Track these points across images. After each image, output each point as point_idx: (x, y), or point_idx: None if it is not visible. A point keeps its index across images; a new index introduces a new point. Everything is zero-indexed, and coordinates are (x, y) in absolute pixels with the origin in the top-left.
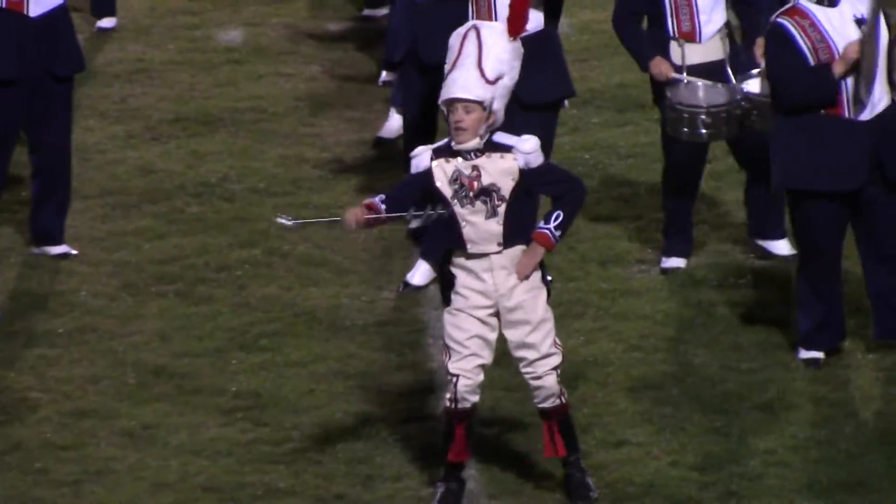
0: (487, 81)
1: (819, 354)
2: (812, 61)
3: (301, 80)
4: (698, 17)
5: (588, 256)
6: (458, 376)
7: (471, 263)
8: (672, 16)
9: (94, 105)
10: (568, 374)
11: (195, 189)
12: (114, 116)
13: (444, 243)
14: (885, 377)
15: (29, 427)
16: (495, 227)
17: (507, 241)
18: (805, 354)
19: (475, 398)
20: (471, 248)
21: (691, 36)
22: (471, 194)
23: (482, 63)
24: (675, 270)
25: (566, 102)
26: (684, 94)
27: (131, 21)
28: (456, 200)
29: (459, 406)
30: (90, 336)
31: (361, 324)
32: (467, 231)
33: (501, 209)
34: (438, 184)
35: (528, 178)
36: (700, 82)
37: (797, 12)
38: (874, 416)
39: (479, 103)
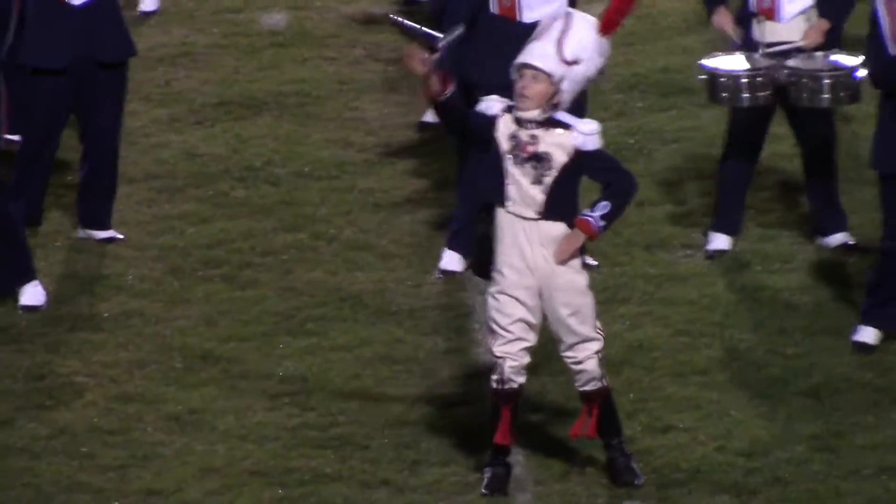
0: (563, 59)
1: (872, 337)
2: (892, 50)
3: (345, 63)
4: None
5: (633, 241)
6: (504, 358)
7: (509, 224)
8: None
9: (138, 89)
10: (613, 359)
11: (240, 173)
12: (158, 100)
13: (486, 193)
14: None
15: (75, 411)
16: (539, 194)
17: (546, 212)
18: (860, 335)
19: (521, 379)
20: (509, 207)
21: (770, 13)
22: (523, 155)
23: (563, 41)
24: (721, 253)
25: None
26: (737, 65)
27: (174, 4)
28: (510, 156)
29: (506, 387)
30: (136, 320)
31: (407, 308)
32: (511, 189)
33: (548, 179)
34: (498, 134)
35: (581, 159)
36: (758, 55)
37: None
38: None
39: (549, 75)
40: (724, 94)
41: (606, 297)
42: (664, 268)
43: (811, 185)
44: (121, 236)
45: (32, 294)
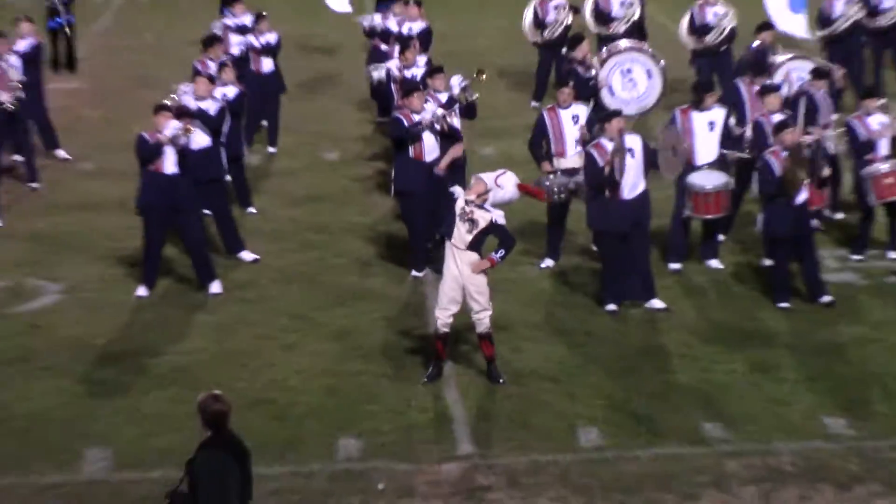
0: (487, 183)
1: (614, 307)
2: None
3: (365, 177)
4: (565, 144)
5: (510, 261)
6: (438, 318)
7: (450, 251)
8: (553, 142)
9: (266, 189)
10: (494, 318)
11: (315, 229)
12: (276, 194)
13: (444, 232)
14: None
15: (236, 343)
16: (468, 236)
17: (469, 246)
18: (608, 307)
19: (447, 329)
20: (453, 241)
21: (562, 154)
22: (465, 217)
23: (499, 178)
24: (548, 268)
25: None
26: (548, 181)
27: (285, 149)
28: (458, 216)
29: (440, 332)
30: (266, 299)
31: (396, 294)
32: (455, 232)
33: (474, 231)
34: (456, 206)
35: (491, 227)
36: (557, 174)
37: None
38: (638, 338)
39: (485, 184)
40: (553, 198)
41: (492, 287)
42: (518, 274)
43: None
44: (259, 258)
45: (216, 286)
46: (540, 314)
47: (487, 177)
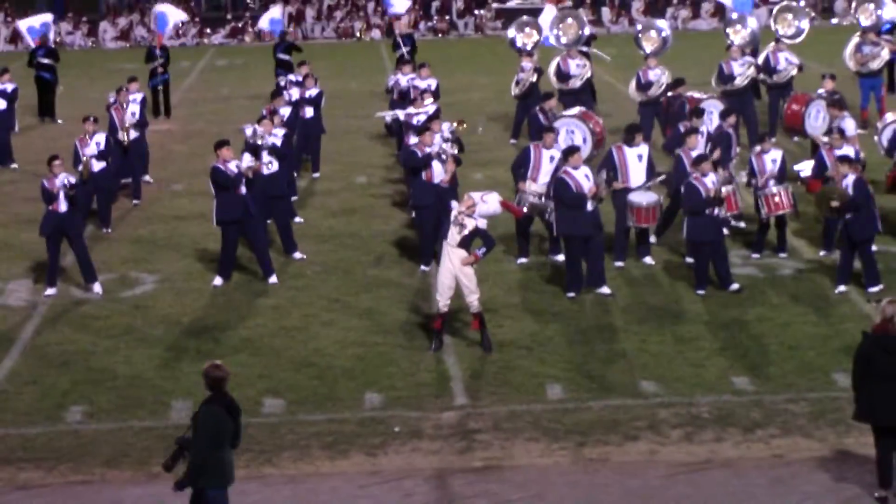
0: (482, 199)
1: (573, 294)
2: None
3: (387, 195)
4: (539, 174)
5: (489, 258)
6: (438, 301)
7: (446, 248)
8: (531, 170)
9: (311, 204)
10: (485, 304)
11: (348, 235)
12: (318, 208)
13: (442, 235)
14: None
15: (287, 320)
16: (458, 237)
17: (460, 244)
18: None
19: (445, 309)
20: (448, 240)
21: (535, 178)
22: (457, 223)
23: (485, 196)
24: (524, 264)
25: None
26: (535, 202)
27: (325, 175)
28: (452, 223)
29: (440, 311)
30: (310, 287)
31: (409, 283)
32: (450, 234)
33: (463, 233)
34: (452, 216)
35: (476, 230)
36: (529, 195)
37: None
38: (595, 315)
39: (473, 201)
40: (533, 209)
41: (480, 279)
42: (499, 267)
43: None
44: (304, 256)
45: (274, 278)
46: (518, 298)
47: (476, 194)
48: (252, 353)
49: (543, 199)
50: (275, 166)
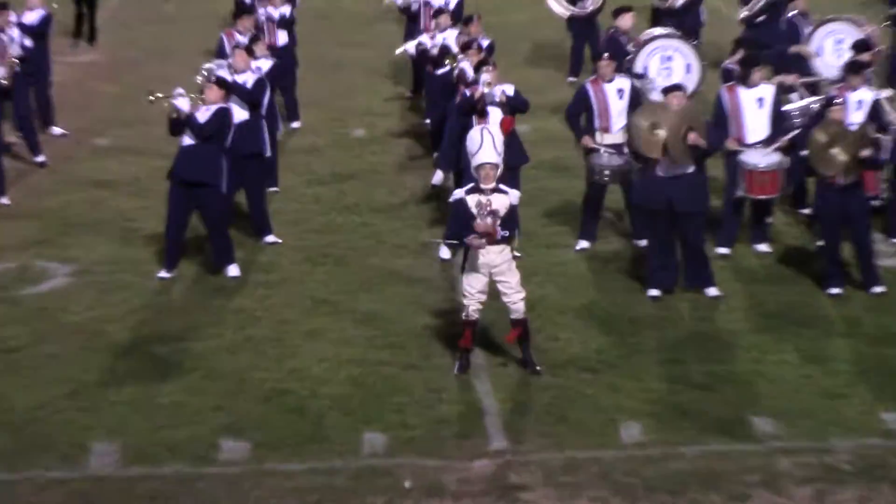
0: (498, 154)
1: (657, 293)
2: None
3: (394, 154)
4: (611, 119)
5: (539, 244)
6: (468, 306)
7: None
8: (598, 117)
9: (290, 167)
10: (529, 304)
11: (341, 209)
12: (300, 173)
13: (466, 234)
14: None
15: (256, 329)
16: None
17: (497, 240)
18: (650, 293)
19: (476, 315)
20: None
21: (607, 130)
22: (486, 211)
23: (495, 145)
24: (584, 250)
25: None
26: (596, 159)
27: (309, 126)
28: (478, 217)
29: (468, 318)
30: (288, 283)
31: (425, 277)
32: (478, 225)
33: (499, 221)
34: (469, 206)
35: (509, 210)
36: (605, 152)
37: None
38: (685, 325)
39: (496, 165)
40: (595, 177)
41: (526, 273)
42: (555, 258)
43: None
44: (280, 240)
45: (234, 269)
46: (578, 300)
47: (490, 151)
48: (206, 376)
49: (624, 156)
50: (242, 114)
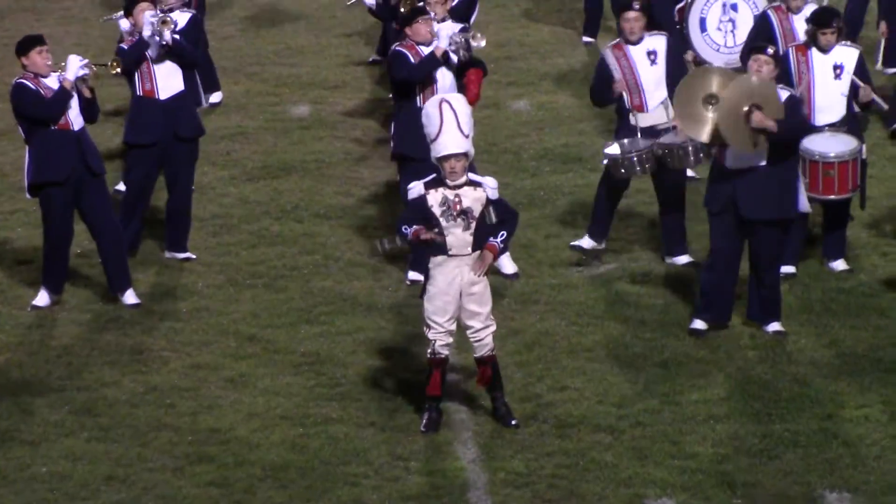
0: (465, 137)
1: (702, 325)
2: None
3: (348, 140)
4: (644, 95)
5: (542, 261)
6: (434, 340)
7: (448, 263)
8: (627, 92)
9: (207, 157)
10: (528, 341)
11: (276, 214)
12: (221, 164)
13: (431, 253)
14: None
15: (162, 375)
16: (468, 237)
17: (474, 247)
18: (694, 324)
19: (446, 352)
20: (452, 252)
21: (640, 108)
22: (454, 213)
23: (461, 126)
24: (580, 247)
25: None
26: (613, 151)
27: (232, 99)
28: (442, 218)
29: (436, 356)
30: (204, 314)
31: (388, 305)
32: (450, 239)
33: (473, 224)
34: (429, 205)
35: (490, 205)
36: (625, 140)
37: None
38: (736, 371)
39: (465, 154)
40: (622, 171)
41: (523, 299)
42: (562, 279)
43: (665, 220)
44: (194, 256)
45: (131, 296)
46: (592, 336)
47: (456, 136)
48: (96, 436)
49: (672, 134)
50: (178, 82)
